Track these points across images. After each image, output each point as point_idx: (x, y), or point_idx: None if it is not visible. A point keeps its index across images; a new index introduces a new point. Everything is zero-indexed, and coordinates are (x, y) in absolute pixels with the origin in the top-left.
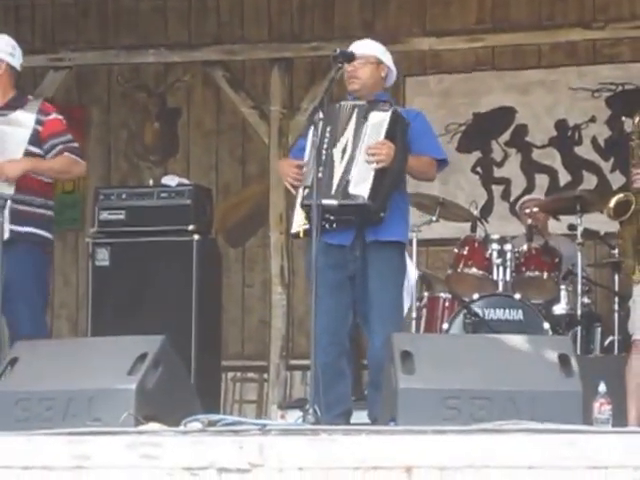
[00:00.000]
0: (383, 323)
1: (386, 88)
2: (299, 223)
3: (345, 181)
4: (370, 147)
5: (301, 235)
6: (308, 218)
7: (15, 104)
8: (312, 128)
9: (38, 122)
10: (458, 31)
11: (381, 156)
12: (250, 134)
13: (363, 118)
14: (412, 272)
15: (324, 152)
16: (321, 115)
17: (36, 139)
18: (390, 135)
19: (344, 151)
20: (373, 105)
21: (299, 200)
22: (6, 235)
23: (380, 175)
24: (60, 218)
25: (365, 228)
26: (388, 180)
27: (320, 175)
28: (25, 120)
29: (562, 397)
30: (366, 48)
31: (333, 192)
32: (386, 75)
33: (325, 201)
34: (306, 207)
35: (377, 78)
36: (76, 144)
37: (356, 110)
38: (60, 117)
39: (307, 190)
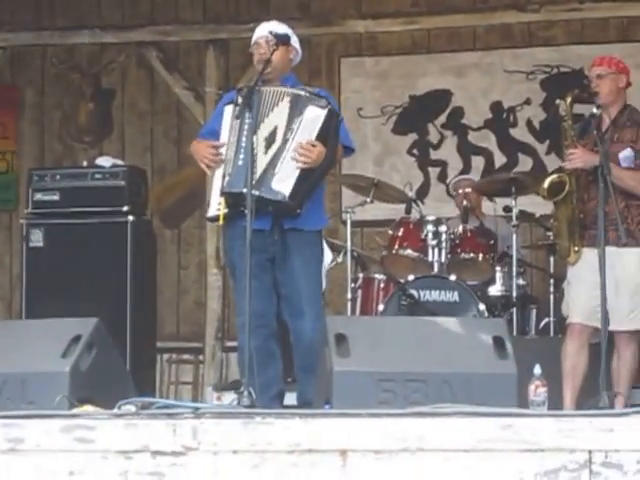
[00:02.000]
0: (310, 306)
1: (292, 68)
2: (216, 207)
3: (270, 174)
4: (301, 146)
5: (220, 220)
6: (228, 204)
7: None
8: (230, 112)
9: None
10: (394, 13)
11: (309, 159)
12: (185, 115)
13: (299, 111)
14: (327, 255)
15: (244, 138)
16: (239, 100)
17: None
18: (323, 135)
19: (271, 140)
20: (311, 98)
21: (217, 184)
22: None
23: (305, 175)
24: None
25: (283, 216)
26: (311, 180)
27: (240, 162)
28: None
29: (497, 379)
30: (277, 30)
31: (255, 182)
32: (293, 57)
33: (245, 190)
34: (227, 194)
35: (286, 60)
36: None
37: (288, 99)
38: None
39: (227, 178)
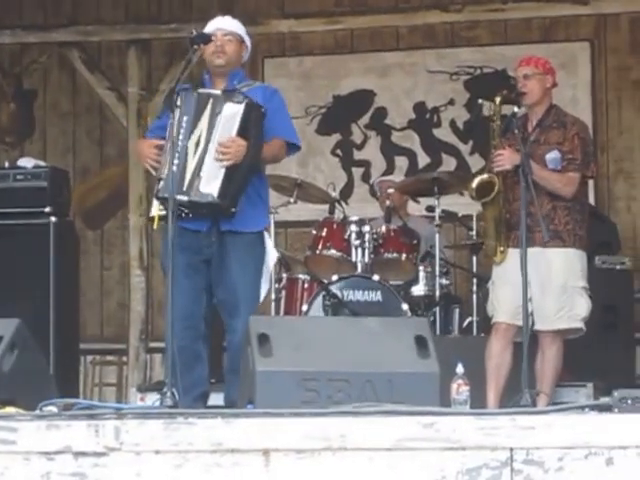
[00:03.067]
0: (245, 308)
1: (242, 65)
2: (156, 209)
3: (197, 177)
4: (220, 144)
5: (155, 223)
6: (164, 207)
7: None
8: (170, 115)
9: None
10: (317, 13)
11: (229, 155)
12: (108, 116)
13: (217, 110)
14: (271, 254)
15: (179, 143)
16: (178, 103)
17: None
18: (243, 130)
19: (198, 144)
20: (228, 96)
21: (155, 189)
22: None
23: (230, 172)
24: None
25: (219, 218)
26: (239, 176)
27: (175, 168)
28: None
29: (419, 378)
30: (232, 25)
31: (185, 187)
32: (244, 54)
33: (177, 196)
34: (160, 199)
35: (239, 55)
36: None
37: (211, 100)
38: None
39: (162, 182)
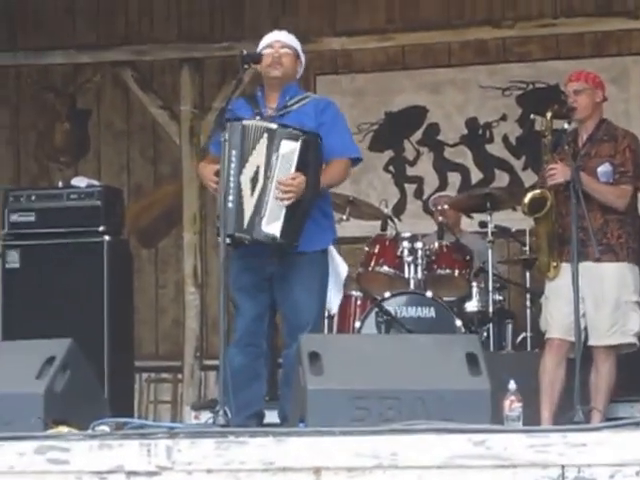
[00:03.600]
0: (307, 326)
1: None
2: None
3: (258, 217)
4: (281, 183)
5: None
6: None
7: None
8: (223, 145)
9: None
10: (368, 30)
11: (291, 193)
12: (161, 134)
13: (274, 148)
14: (342, 265)
15: (232, 179)
16: (226, 136)
17: None
18: (301, 166)
19: (255, 180)
20: (283, 133)
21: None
22: None
23: (292, 209)
24: None
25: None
26: (300, 212)
27: (230, 205)
28: None
29: (470, 396)
30: (289, 39)
31: (245, 226)
32: (299, 69)
33: (238, 234)
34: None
35: (295, 69)
36: None
37: (265, 135)
38: None
39: (221, 219)
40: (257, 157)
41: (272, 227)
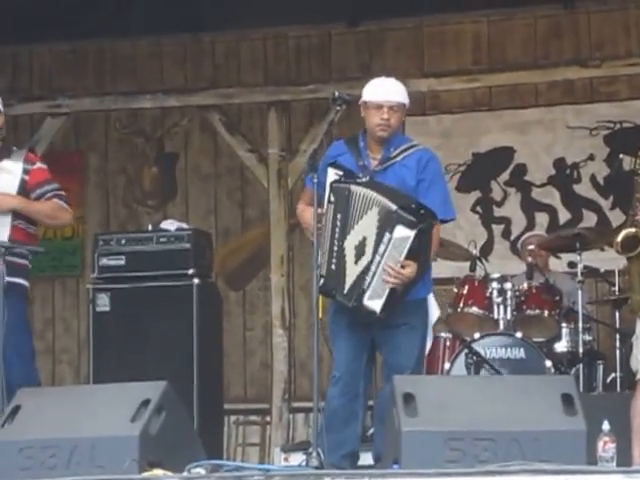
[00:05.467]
0: (403, 370)
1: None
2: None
3: (360, 289)
4: (391, 268)
5: (321, 312)
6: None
7: (1, 154)
8: (332, 175)
9: (25, 171)
10: (456, 72)
11: (399, 281)
12: (248, 177)
13: (388, 228)
14: (434, 312)
15: (335, 242)
16: (332, 198)
17: (23, 189)
18: (412, 254)
19: (360, 250)
20: (399, 218)
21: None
22: None
23: (395, 290)
24: (59, 264)
25: None
26: (403, 293)
27: (333, 267)
28: (13, 169)
29: (566, 436)
30: (399, 93)
31: (346, 291)
32: (404, 117)
33: (339, 298)
34: (324, 293)
35: (401, 121)
36: (63, 192)
37: (378, 209)
38: (44, 166)
39: (322, 280)
40: (365, 228)
41: (373, 303)
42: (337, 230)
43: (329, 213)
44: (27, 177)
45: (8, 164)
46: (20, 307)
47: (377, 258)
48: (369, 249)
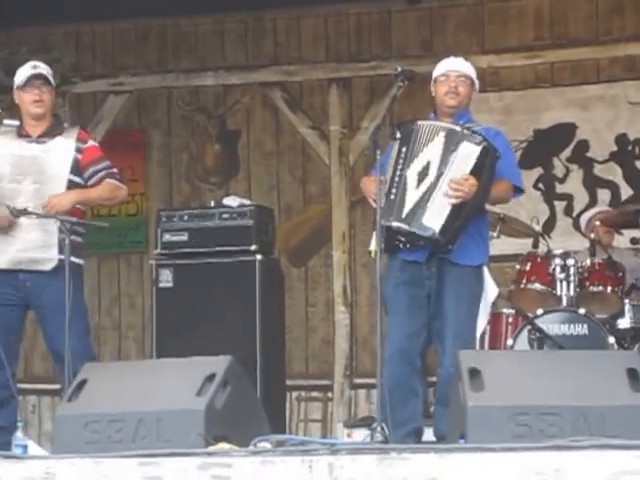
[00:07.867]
0: (456, 342)
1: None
2: (374, 242)
3: (420, 210)
4: (453, 181)
5: (372, 254)
6: (382, 237)
7: (54, 131)
8: (395, 147)
9: (77, 150)
10: (516, 48)
11: (462, 192)
12: (310, 154)
13: (452, 147)
14: (491, 290)
15: (398, 172)
16: (398, 135)
17: (76, 168)
18: (477, 170)
19: (423, 174)
20: (465, 135)
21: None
22: (55, 263)
23: (457, 210)
24: (124, 241)
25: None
26: (463, 215)
27: (392, 197)
28: (65, 148)
29: (632, 412)
30: (465, 67)
31: (404, 215)
32: (473, 95)
33: (396, 223)
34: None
35: (469, 97)
36: (115, 169)
37: (443, 134)
38: (97, 144)
39: (380, 211)
40: (429, 153)
41: (433, 222)
42: (400, 162)
43: (394, 150)
44: (80, 156)
45: (60, 142)
46: (75, 283)
47: (440, 177)
48: (432, 171)
